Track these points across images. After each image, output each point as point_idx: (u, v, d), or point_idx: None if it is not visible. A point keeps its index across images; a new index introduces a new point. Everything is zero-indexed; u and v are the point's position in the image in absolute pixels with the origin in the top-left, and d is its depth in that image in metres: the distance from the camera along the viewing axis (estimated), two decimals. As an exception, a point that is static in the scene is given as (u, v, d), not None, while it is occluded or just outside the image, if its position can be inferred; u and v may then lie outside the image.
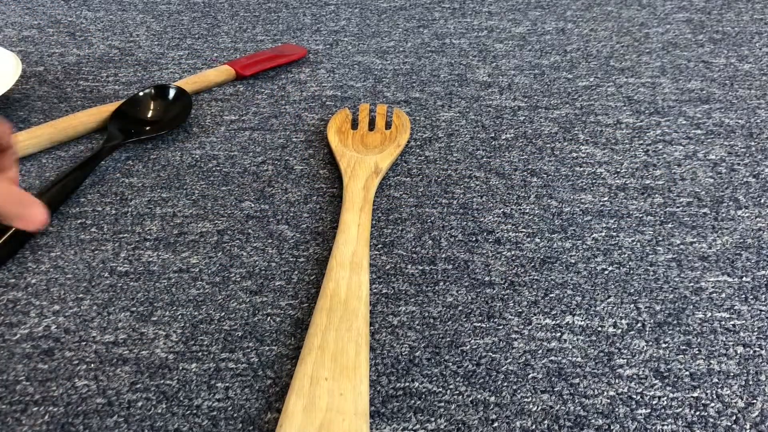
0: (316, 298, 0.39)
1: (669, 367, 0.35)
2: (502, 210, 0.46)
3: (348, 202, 0.45)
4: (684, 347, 0.36)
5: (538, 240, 0.43)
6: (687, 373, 0.35)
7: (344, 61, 0.66)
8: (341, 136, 0.52)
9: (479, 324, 0.37)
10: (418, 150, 0.52)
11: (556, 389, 0.34)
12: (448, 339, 0.37)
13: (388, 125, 0.54)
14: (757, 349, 0.36)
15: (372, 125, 0.54)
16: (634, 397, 0.33)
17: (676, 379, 0.34)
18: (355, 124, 0.54)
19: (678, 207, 0.46)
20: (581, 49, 0.67)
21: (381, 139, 0.52)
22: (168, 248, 0.43)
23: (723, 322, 0.37)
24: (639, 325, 0.37)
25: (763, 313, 0.38)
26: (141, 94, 0.56)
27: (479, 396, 0.34)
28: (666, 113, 0.56)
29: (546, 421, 0.32)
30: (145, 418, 0.33)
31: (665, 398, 0.33)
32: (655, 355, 0.36)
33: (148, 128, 0.54)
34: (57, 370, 0.35)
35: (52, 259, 0.42)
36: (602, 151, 0.52)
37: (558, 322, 0.38)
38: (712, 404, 0.33)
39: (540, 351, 0.36)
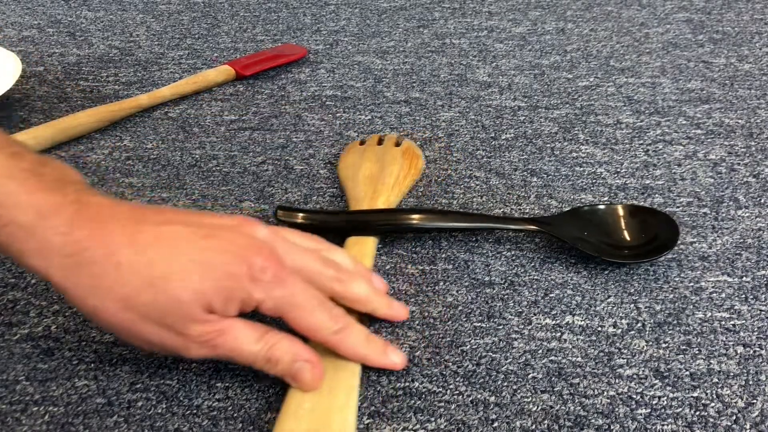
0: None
1: (669, 367, 0.35)
2: (502, 210, 0.46)
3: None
4: (684, 347, 0.36)
5: (538, 240, 0.43)
6: (687, 373, 0.35)
7: (344, 61, 0.66)
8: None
9: (479, 324, 0.37)
10: (418, 150, 0.52)
11: (556, 389, 0.34)
12: (448, 339, 0.37)
13: None
14: (757, 349, 0.36)
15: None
16: (634, 397, 0.33)
17: (676, 379, 0.34)
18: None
19: (678, 207, 0.46)
20: (581, 49, 0.67)
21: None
22: (168, 248, 0.43)
23: (723, 322, 0.37)
24: (639, 325, 0.37)
25: (763, 313, 0.38)
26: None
27: (479, 396, 0.34)
28: (666, 113, 0.56)
29: (546, 421, 0.32)
30: (145, 418, 0.33)
31: (665, 398, 0.33)
32: (655, 355, 0.36)
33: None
34: (57, 370, 0.35)
35: (52, 259, 0.42)
36: (602, 151, 0.52)
37: (558, 322, 0.38)
38: (712, 404, 0.33)
39: (540, 351, 0.36)
